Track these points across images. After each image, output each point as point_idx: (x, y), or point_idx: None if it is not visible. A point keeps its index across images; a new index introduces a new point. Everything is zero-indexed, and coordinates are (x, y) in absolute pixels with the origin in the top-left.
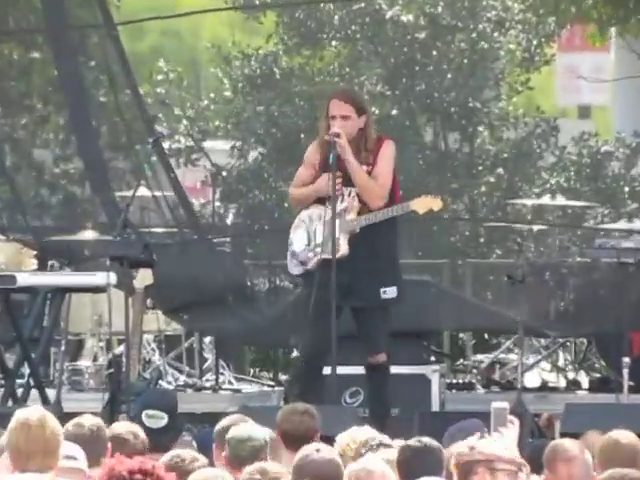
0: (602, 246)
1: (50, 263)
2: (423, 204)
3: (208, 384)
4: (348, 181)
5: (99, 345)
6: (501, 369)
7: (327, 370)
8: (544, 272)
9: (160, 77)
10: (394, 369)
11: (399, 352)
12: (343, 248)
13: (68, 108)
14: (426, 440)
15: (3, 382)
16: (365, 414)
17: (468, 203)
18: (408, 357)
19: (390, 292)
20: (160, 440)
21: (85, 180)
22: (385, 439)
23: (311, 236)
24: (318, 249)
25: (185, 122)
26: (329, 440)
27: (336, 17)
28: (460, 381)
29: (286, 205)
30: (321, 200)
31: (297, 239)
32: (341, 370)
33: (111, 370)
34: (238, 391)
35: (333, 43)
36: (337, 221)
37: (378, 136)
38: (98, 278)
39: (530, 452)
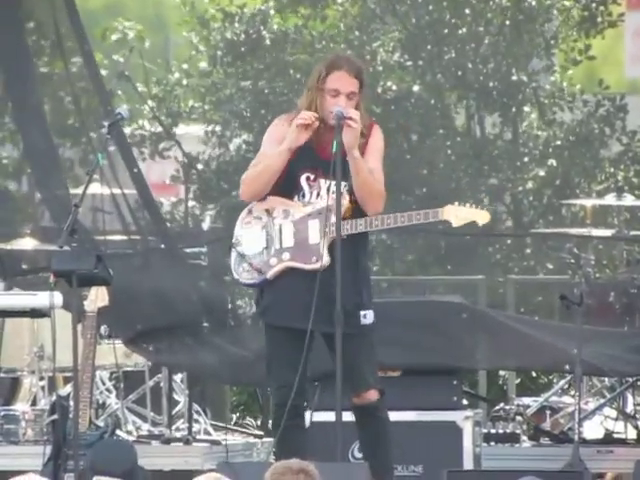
0: None
1: None
2: (460, 215)
3: (179, 434)
4: (327, 172)
5: (39, 385)
6: (553, 416)
7: (330, 416)
8: (608, 292)
9: (115, 37)
10: (416, 415)
11: (421, 393)
12: (325, 258)
13: (4, 80)
14: None
15: None
16: None
17: (511, 204)
18: (433, 400)
19: (369, 317)
20: None
21: (22, 173)
22: None
23: (273, 237)
24: (286, 255)
25: (150, 101)
26: None
27: None
28: (500, 431)
29: None
30: (283, 193)
31: (248, 239)
32: (347, 417)
33: (55, 416)
34: (217, 443)
35: None
36: (317, 222)
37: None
38: (39, 299)
39: None
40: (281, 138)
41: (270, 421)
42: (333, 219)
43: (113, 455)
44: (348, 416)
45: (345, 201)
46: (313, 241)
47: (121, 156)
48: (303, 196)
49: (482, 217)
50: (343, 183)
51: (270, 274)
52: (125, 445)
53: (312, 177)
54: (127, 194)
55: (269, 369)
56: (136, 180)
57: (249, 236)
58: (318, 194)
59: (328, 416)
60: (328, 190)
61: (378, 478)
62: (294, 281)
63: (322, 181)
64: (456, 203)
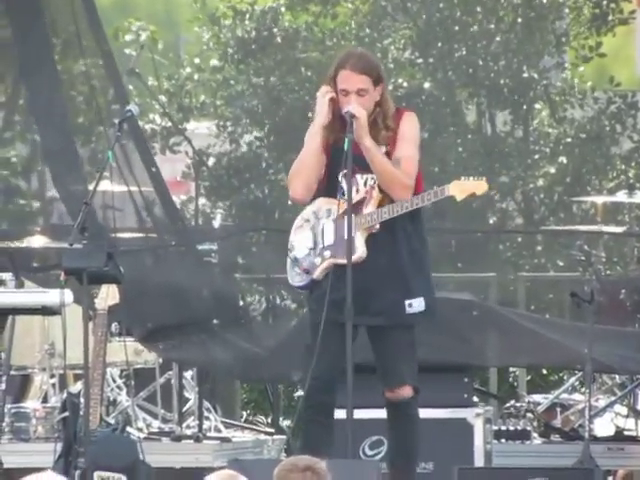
0: None
1: None
2: (463, 188)
3: (189, 431)
4: (364, 166)
5: (50, 382)
6: (563, 413)
7: (341, 413)
8: (618, 290)
9: (128, 38)
10: (427, 412)
11: (433, 391)
12: (360, 250)
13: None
14: None
15: None
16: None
17: (521, 201)
18: (444, 397)
19: (416, 305)
20: None
21: (31, 171)
22: None
23: (318, 237)
24: (327, 252)
25: (161, 97)
26: None
27: None
28: (511, 428)
29: (290, 203)
30: (329, 193)
31: (299, 242)
32: (359, 414)
33: (65, 414)
34: (227, 440)
35: None
36: (351, 216)
37: (397, 108)
38: (49, 297)
39: None
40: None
41: (297, 414)
42: (365, 211)
43: (114, 450)
44: (360, 414)
45: (375, 192)
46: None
47: (139, 154)
48: (343, 194)
49: (480, 187)
50: (371, 175)
51: (316, 273)
52: (126, 440)
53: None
54: (143, 191)
55: (306, 362)
56: (154, 178)
57: (299, 239)
58: (357, 190)
59: (340, 413)
60: (365, 184)
61: (401, 474)
62: (338, 277)
63: (359, 176)
64: (462, 178)
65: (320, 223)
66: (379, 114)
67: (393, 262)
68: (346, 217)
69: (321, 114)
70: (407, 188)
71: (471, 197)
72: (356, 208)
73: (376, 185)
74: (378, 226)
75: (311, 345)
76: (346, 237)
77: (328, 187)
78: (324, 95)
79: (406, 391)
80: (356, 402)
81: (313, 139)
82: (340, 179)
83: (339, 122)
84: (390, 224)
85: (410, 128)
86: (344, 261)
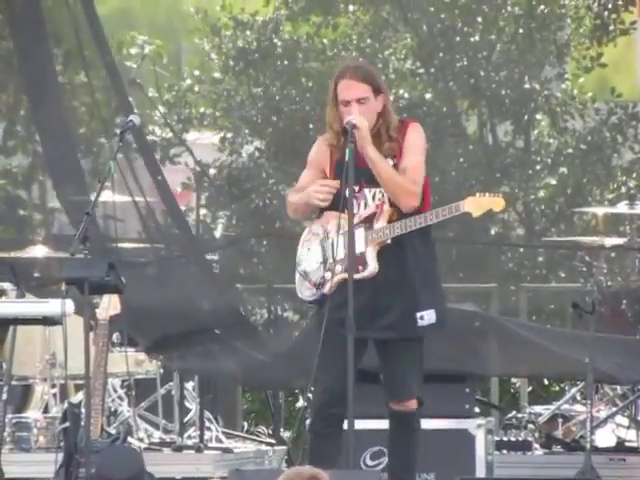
0: None
1: None
2: (479, 205)
3: (190, 442)
4: (371, 180)
5: (51, 392)
6: (565, 424)
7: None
8: (620, 300)
9: (133, 51)
10: (429, 423)
11: (434, 401)
12: (371, 265)
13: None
14: None
15: None
16: None
17: (522, 212)
18: (446, 408)
19: (428, 317)
20: None
21: (32, 181)
22: None
23: (327, 252)
24: (338, 267)
25: (162, 108)
26: None
27: None
28: (512, 439)
29: None
30: (338, 208)
31: (308, 256)
32: (360, 424)
33: (66, 424)
34: (228, 451)
35: (350, 7)
36: (362, 231)
37: (400, 120)
38: (50, 307)
39: None
40: (317, 161)
41: (307, 423)
42: (377, 226)
43: (119, 461)
44: (361, 424)
45: (386, 206)
46: (359, 250)
47: (144, 163)
48: (353, 207)
49: (497, 204)
50: (379, 189)
51: (327, 288)
52: (131, 451)
53: (356, 189)
54: (149, 201)
55: (316, 373)
56: (160, 187)
57: (308, 253)
58: (366, 204)
59: (361, 424)
60: (373, 198)
61: None
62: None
63: (367, 190)
64: (477, 194)
65: (330, 237)
66: (382, 125)
67: (403, 275)
68: (349, 229)
69: (310, 199)
70: (413, 195)
71: (488, 214)
72: (367, 223)
73: (386, 199)
74: (390, 240)
75: (322, 358)
76: (347, 248)
77: (337, 202)
78: (323, 195)
79: (413, 404)
80: (357, 413)
81: (305, 203)
82: (348, 194)
83: (344, 137)
84: (399, 237)
85: (416, 138)
86: (356, 276)
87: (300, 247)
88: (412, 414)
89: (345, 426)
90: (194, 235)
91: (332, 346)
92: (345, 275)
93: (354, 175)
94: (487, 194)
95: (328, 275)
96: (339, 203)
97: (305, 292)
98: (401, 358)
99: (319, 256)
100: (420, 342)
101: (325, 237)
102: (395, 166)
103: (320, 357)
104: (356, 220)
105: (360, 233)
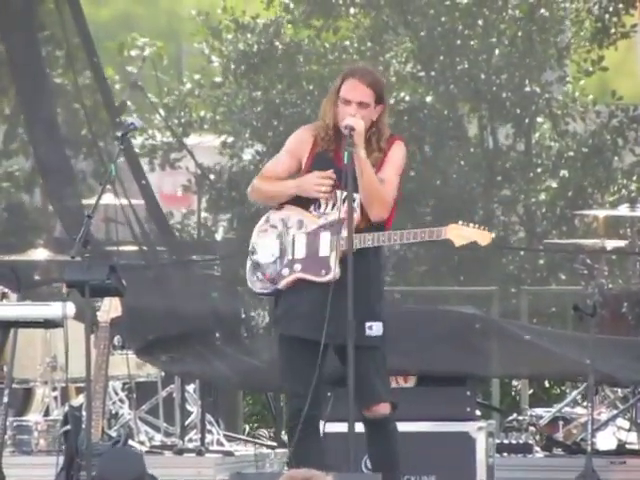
0: None
1: None
2: (461, 234)
3: (191, 445)
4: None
5: (52, 395)
6: (566, 427)
7: (342, 427)
8: (621, 303)
9: (134, 53)
10: (429, 426)
11: (435, 404)
12: (335, 271)
13: (17, 91)
14: None
15: None
16: None
17: (523, 215)
18: (447, 411)
19: (376, 329)
20: None
21: (34, 185)
22: None
23: (286, 247)
24: (298, 266)
25: (162, 111)
26: None
27: None
28: (513, 442)
29: None
30: (300, 203)
31: (263, 247)
32: (360, 428)
33: (67, 427)
34: (230, 454)
35: (351, 11)
36: (328, 235)
37: (389, 134)
38: (51, 309)
39: None
40: (296, 150)
41: (284, 431)
42: (344, 232)
43: (121, 464)
44: (361, 427)
45: (356, 215)
46: (323, 253)
47: (129, 167)
48: (319, 207)
49: (484, 238)
50: (356, 195)
51: (282, 284)
52: (133, 454)
53: (329, 188)
54: (137, 205)
55: (283, 379)
56: (144, 192)
57: (264, 245)
58: (334, 205)
59: (341, 427)
60: (344, 201)
61: None
62: (306, 292)
63: (338, 192)
64: (460, 222)
65: (290, 233)
66: (374, 134)
67: (360, 285)
68: (348, 232)
69: (306, 191)
70: (387, 207)
71: (472, 245)
72: (333, 227)
73: (357, 207)
74: (355, 250)
75: (284, 360)
76: (348, 254)
77: (300, 197)
78: (325, 187)
79: (383, 407)
80: (337, 414)
81: (286, 193)
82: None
83: (333, 132)
84: (363, 248)
85: (398, 156)
86: (313, 278)
87: (255, 235)
88: (384, 419)
89: (338, 429)
90: (177, 239)
91: (292, 351)
92: (302, 275)
93: (337, 175)
94: (472, 225)
95: (286, 272)
96: (302, 198)
97: (256, 284)
98: (361, 364)
99: (276, 250)
100: (376, 350)
101: (285, 232)
102: None
103: (282, 364)
104: (322, 221)
105: (326, 237)
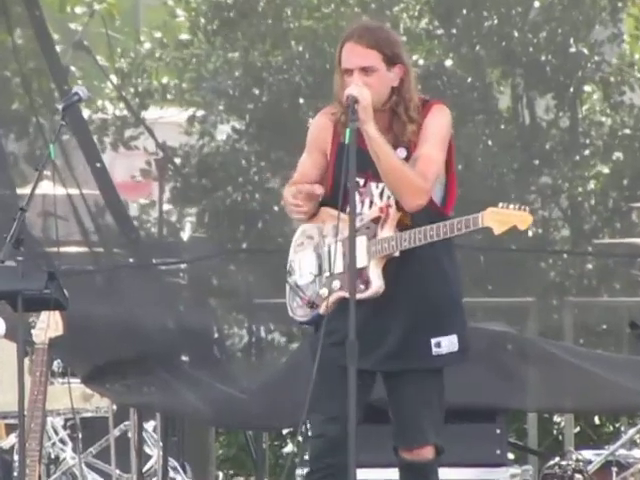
0: None
1: None
2: (501, 218)
3: None
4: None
5: None
6: (621, 474)
7: (367, 474)
8: None
9: (79, 10)
10: (453, 473)
11: (457, 445)
12: (375, 284)
13: None
14: None
15: None
16: None
17: (567, 208)
18: (471, 454)
19: (446, 344)
20: None
21: None
22: None
23: (323, 261)
24: (336, 283)
25: (114, 78)
26: None
27: None
28: None
29: (276, 209)
30: (337, 203)
31: (302, 265)
32: (365, 474)
33: None
34: None
35: None
36: (364, 239)
37: (423, 100)
38: None
39: None
40: (317, 141)
41: (297, 473)
42: (381, 234)
43: None
44: (366, 474)
45: (392, 210)
46: (360, 264)
47: (80, 147)
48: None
49: (523, 221)
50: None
51: (323, 308)
52: None
53: (361, 182)
54: (87, 195)
55: (311, 416)
56: (98, 177)
57: (302, 262)
58: (371, 202)
59: (374, 474)
60: (381, 196)
61: None
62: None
63: (373, 185)
64: (500, 204)
65: (325, 243)
66: (399, 104)
67: (415, 293)
68: (349, 235)
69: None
70: (420, 192)
71: (512, 230)
72: (370, 229)
73: (393, 199)
74: (398, 253)
75: (316, 395)
76: (349, 259)
77: (335, 195)
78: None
79: (428, 452)
80: (361, 460)
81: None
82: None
83: (346, 116)
84: (412, 251)
85: (437, 123)
86: (358, 296)
87: (292, 252)
88: (427, 465)
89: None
90: (141, 237)
91: (329, 380)
92: (342, 294)
93: (359, 162)
94: (512, 206)
95: (324, 292)
96: (336, 199)
97: (298, 311)
98: (413, 395)
99: (314, 267)
100: (438, 375)
101: (321, 242)
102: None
103: (314, 394)
104: (358, 224)
105: (362, 242)
